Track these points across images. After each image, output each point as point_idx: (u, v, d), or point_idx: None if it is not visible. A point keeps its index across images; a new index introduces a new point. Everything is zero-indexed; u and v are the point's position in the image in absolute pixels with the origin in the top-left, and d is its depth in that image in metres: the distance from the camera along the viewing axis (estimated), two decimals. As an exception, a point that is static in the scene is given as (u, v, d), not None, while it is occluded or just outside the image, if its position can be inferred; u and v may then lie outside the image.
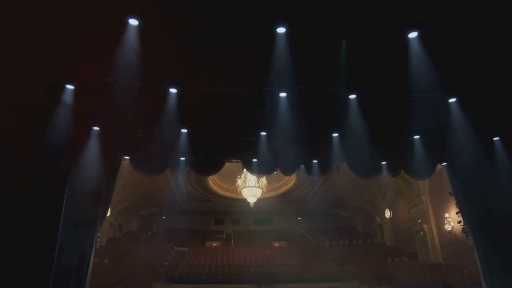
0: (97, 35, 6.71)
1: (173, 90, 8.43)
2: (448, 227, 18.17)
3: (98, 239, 9.38)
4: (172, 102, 8.56)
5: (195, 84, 8.13)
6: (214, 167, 10.93)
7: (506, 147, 9.50)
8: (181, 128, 9.61)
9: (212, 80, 7.96)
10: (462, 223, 11.83)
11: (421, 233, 20.94)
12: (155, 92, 8.29)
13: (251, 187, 22.60)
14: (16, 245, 7.21)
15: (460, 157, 9.80)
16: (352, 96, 8.80)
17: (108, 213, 11.37)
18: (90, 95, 8.02)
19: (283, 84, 8.02)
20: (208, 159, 10.54)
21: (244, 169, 16.41)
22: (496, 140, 9.66)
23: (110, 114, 8.57)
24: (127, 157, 10.09)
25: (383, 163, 10.83)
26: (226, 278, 18.22)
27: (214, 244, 30.13)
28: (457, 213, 12.57)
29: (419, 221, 21.22)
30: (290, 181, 25.75)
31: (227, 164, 11.34)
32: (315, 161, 10.91)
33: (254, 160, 10.48)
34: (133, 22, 6.71)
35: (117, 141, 9.43)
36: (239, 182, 22.56)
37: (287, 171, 11.35)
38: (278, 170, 10.96)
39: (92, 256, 9.00)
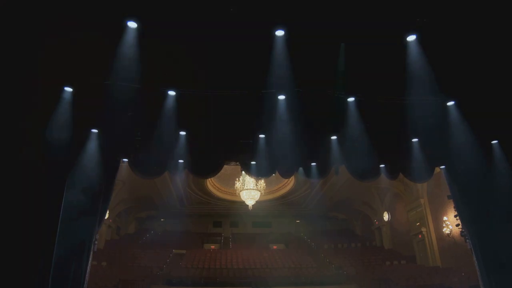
0: (96, 37, 6.72)
1: (171, 93, 8.44)
2: (446, 230, 18.18)
3: (96, 242, 9.35)
4: (170, 104, 8.57)
5: (194, 87, 8.13)
6: (213, 169, 10.92)
7: (504, 150, 9.53)
8: (180, 131, 9.62)
9: (210, 82, 7.97)
10: (460, 226, 11.85)
11: (420, 236, 20.92)
12: (154, 95, 8.30)
13: (249, 190, 22.57)
14: (14, 247, 7.19)
15: (459, 160, 9.83)
16: (351, 99, 8.83)
17: (106, 216, 11.34)
18: (89, 97, 8.04)
19: (282, 86, 8.04)
20: (206, 162, 10.53)
21: (243, 172, 16.40)
22: (495, 143, 9.69)
23: (108, 116, 8.57)
24: (125, 160, 10.08)
25: (382, 166, 10.84)
26: (224, 281, 18.17)
27: (213, 247, 30.04)
28: (455, 216, 12.61)
29: (418, 224, 21.21)
30: (289, 183, 25.74)
31: (225, 166, 11.33)
32: (313, 163, 10.92)
33: (253, 162, 10.48)
34: (132, 24, 6.72)
35: (116, 143, 9.43)
36: (238, 184, 22.54)
37: (285, 174, 11.34)
38: (277, 172, 10.96)
39: (90, 258, 8.97)
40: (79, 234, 8.55)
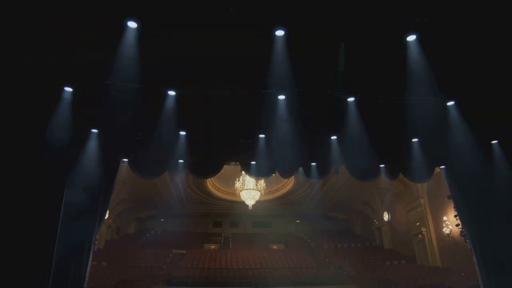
0: (96, 37, 6.72)
1: (171, 93, 8.44)
2: (446, 230, 18.18)
3: (96, 242, 9.35)
4: (170, 104, 8.57)
5: (194, 87, 8.13)
6: (213, 169, 10.92)
7: (504, 150, 9.53)
8: (180, 131, 9.61)
9: (210, 82, 7.96)
10: (460, 226, 11.84)
11: (420, 236, 20.92)
12: (154, 95, 8.29)
13: (249, 190, 22.56)
14: (14, 247, 7.19)
15: (459, 160, 9.82)
16: (351, 99, 8.82)
17: (106, 216, 11.34)
18: (89, 97, 8.04)
19: (282, 86, 8.03)
20: (206, 162, 10.53)
21: (243, 172, 16.41)
22: (495, 143, 9.68)
23: (108, 116, 8.57)
24: (125, 159, 10.08)
25: (382, 166, 10.84)
26: (224, 281, 18.19)
27: (213, 247, 30.05)
28: (455, 216, 12.62)
29: (418, 224, 21.21)
30: (289, 183, 25.75)
31: (225, 166, 11.33)
32: (313, 163, 10.92)
33: (253, 162, 10.48)
34: (132, 24, 6.72)
35: (116, 143, 9.43)
36: (238, 184, 22.53)
37: (285, 174, 11.34)
38: (277, 172, 10.96)
39: (90, 259, 8.97)
40: (79, 234, 8.54)
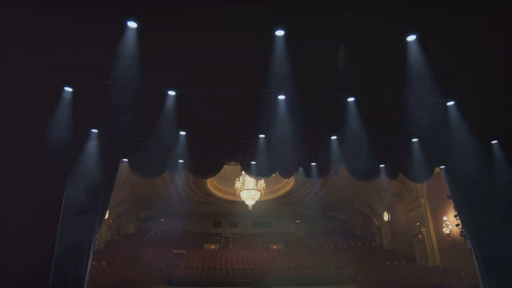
0: (96, 37, 6.71)
1: (171, 93, 8.44)
2: (446, 230, 18.18)
3: (96, 242, 9.35)
4: (170, 104, 8.57)
5: (194, 87, 8.13)
6: (213, 169, 10.92)
7: (504, 150, 9.53)
8: (180, 131, 9.61)
9: (210, 82, 7.96)
10: (460, 226, 11.83)
11: (420, 236, 20.93)
12: (154, 95, 8.29)
13: (249, 190, 22.57)
14: (14, 247, 7.18)
15: (459, 160, 9.82)
16: (351, 99, 8.82)
17: (106, 216, 11.34)
18: (89, 97, 8.04)
19: (282, 86, 8.03)
20: (206, 162, 10.53)
21: (243, 172, 16.41)
22: (495, 143, 9.68)
23: (108, 116, 8.57)
24: (125, 159, 10.08)
25: (382, 166, 10.84)
26: (224, 281, 18.17)
27: (213, 247, 30.07)
28: (455, 216, 12.61)
29: (418, 224, 21.22)
30: (289, 183, 25.75)
31: (225, 166, 11.33)
32: (313, 163, 10.92)
33: (253, 162, 10.48)
34: (132, 24, 6.72)
35: (116, 143, 9.43)
36: (238, 184, 22.53)
37: (285, 174, 11.34)
38: (277, 172, 10.96)
39: (90, 259, 8.97)
40: (79, 234, 8.54)
